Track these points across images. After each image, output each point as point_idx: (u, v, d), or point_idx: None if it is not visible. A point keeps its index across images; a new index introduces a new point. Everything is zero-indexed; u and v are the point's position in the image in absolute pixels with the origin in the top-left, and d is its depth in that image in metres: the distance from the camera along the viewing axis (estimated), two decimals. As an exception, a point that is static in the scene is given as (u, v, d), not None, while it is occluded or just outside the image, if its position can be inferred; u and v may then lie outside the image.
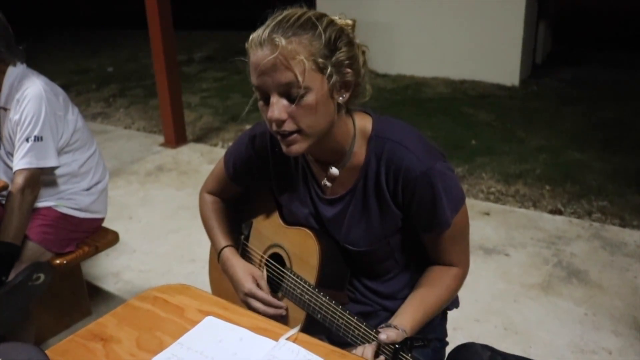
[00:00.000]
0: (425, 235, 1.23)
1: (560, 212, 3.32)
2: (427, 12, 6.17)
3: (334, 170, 1.22)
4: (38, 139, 1.88)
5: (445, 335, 1.38)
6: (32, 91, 1.89)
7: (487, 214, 3.32)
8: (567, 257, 2.84)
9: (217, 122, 5.27)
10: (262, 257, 1.41)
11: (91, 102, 6.21)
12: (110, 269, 2.92)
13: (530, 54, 6.33)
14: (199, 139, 4.87)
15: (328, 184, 1.25)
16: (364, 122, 1.21)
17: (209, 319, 1.06)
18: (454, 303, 1.37)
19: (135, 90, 6.57)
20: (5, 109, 1.94)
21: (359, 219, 1.23)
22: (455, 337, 1.42)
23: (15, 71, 1.93)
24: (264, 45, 1.03)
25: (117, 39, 9.82)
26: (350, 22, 1.11)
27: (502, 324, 2.37)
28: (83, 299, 2.49)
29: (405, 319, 1.15)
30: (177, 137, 4.68)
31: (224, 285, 1.47)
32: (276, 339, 1.00)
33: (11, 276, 1.83)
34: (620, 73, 6.19)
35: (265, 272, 1.39)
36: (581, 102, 5.29)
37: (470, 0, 5.85)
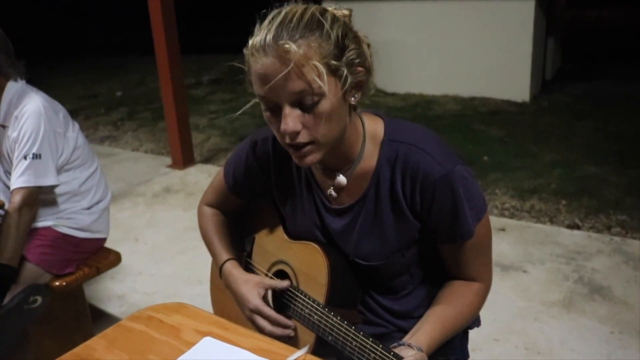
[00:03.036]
0: (445, 247, 1.13)
1: (578, 227, 3.21)
2: (435, 30, 6.14)
3: (342, 179, 1.13)
4: (36, 156, 1.82)
5: (467, 356, 1.28)
6: (31, 107, 1.83)
7: (503, 229, 3.21)
8: (589, 272, 2.73)
9: (225, 143, 5.23)
10: (266, 275, 1.33)
11: (99, 125, 6.21)
12: (115, 292, 2.84)
13: (540, 70, 6.27)
14: (207, 160, 4.83)
15: (334, 193, 1.16)
16: (374, 125, 1.12)
17: (207, 340, 0.97)
18: (475, 322, 1.26)
19: (144, 113, 6.57)
20: (4, 126, 1.89)
21: (370, 231, 1.13)
22: (475, 358, 1.32)
23: (14, 87, 1.88)
24: (269, 52, 0.93)
25: (127, 65, 9.88)
26: (346, 12, 1.02)
27: (523, 344, 2.25)
28: (86, 323, 2.39)
29: (422, 337, 1.05)
30: (184, 159, 4.65)
31: (228, 306, 1.38)
32: (280, 361, 0.92)
33: (7, 299, 1.75)
34: (631, 87, 6.11)
35: (270, 292, 1.30)
36: (593, 117, 5.20)
37: (479, 17, 5.83)
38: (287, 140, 1.00)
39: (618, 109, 5.36)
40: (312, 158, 1.02)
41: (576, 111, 5.43)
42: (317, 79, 0.93)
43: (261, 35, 0.95)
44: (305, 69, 0.92)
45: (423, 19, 6.17)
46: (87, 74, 9.38)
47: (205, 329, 1.00)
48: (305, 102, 0.95)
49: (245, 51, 0.99)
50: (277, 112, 0.98)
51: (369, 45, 1.04)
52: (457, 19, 5.95)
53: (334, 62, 0.95)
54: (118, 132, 5.95)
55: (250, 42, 0.97)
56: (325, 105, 0.96)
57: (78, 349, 0.94)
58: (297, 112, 0.96)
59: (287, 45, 0.91)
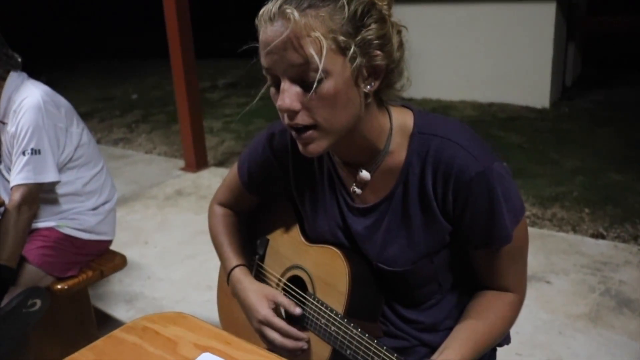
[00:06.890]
0: (478, 252, 1.03)
1: (602, 237, 3.08)
2: (453, 34, 6.03)
3: (365, 174, 1.03)
4: (35, 152, 1.74)
5: (494, 375, 1.18)
6: (29, 102, 1.76)
7: (524, 238, 3.09)
8: (616, 284, 2.60)
9: (239, 147, 5.17)
10: (280, 280, 1.23)
11: (114, 128, 6.19)
12: (122, 296, 2.77)
13: (560, 76, 6.14)
14: (221, 163, 4.77)
15: (357, 190, 1.06)
16: (403, 117, 1.02)
17: (206, 357, 0.87)
18: (505, 339, 1.16)
19: (158, 116, 6.54)
20: (4, 123, 1.82)
21: (397, 233, 1.03)
22: (497, 374, 1.21)
23: (13, 82, 1.81)
24: (275, 20, 0.86)
25: (143, 68, 9.90)
26: None
27: (548, 359, 2.13)
28: (90, 328, 2.32)
29: (452, 355, 0.95)
30: (197, 161, 4.60)
31: (235, 313, 1.29)
32: (288, 380, 0.82)
33: (4, 302, 1.67)
34: (654, 94, 5.96)
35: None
36: (615, 123, 5.07)
37: (498, 22, 5.72)
38: (287, 120, 0.91)
39: (640, 116, 5.22)
40: (316, 146, 0.93)
41: (597, 118, 5.29)
42: (317, 54, 0.84)
43: (270, 3, 0.88)
44: (305, 41, 0.84)
45: (441, 23, 6.06)
46: (104, 77, 9.40)
47: (205, 343, 0.90)
48: (307, 79, 0.86)
49: (255, 21, 0.91)
50: (279, 88, 0.90)
51: (399, 32, 0.93)
52: (476, 23, 5.84)
53: (343, 38, 0.86)
54: (132, 134, 5.93)
55: (261, 10, 0.89)
56: (328, 85, 0.87)
57: (63, 362, 0.85)
58: (297, 89, 0.88)
59: (288, 11, 0.84)
